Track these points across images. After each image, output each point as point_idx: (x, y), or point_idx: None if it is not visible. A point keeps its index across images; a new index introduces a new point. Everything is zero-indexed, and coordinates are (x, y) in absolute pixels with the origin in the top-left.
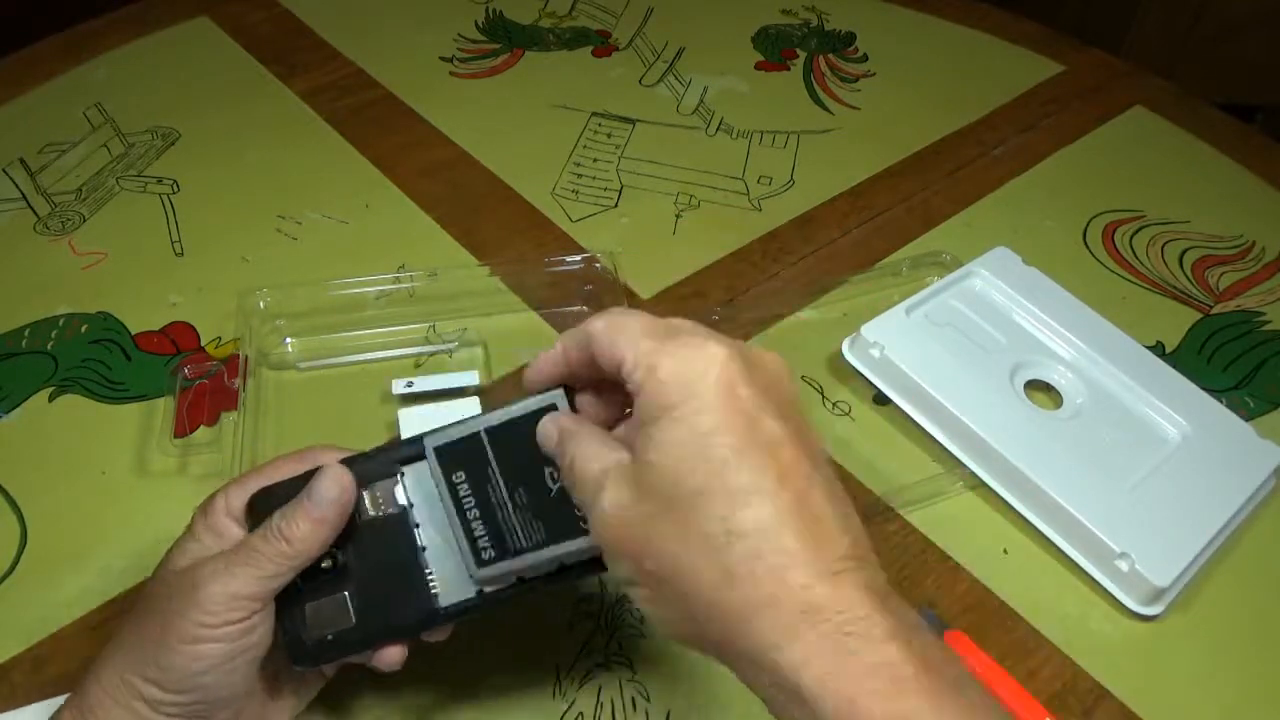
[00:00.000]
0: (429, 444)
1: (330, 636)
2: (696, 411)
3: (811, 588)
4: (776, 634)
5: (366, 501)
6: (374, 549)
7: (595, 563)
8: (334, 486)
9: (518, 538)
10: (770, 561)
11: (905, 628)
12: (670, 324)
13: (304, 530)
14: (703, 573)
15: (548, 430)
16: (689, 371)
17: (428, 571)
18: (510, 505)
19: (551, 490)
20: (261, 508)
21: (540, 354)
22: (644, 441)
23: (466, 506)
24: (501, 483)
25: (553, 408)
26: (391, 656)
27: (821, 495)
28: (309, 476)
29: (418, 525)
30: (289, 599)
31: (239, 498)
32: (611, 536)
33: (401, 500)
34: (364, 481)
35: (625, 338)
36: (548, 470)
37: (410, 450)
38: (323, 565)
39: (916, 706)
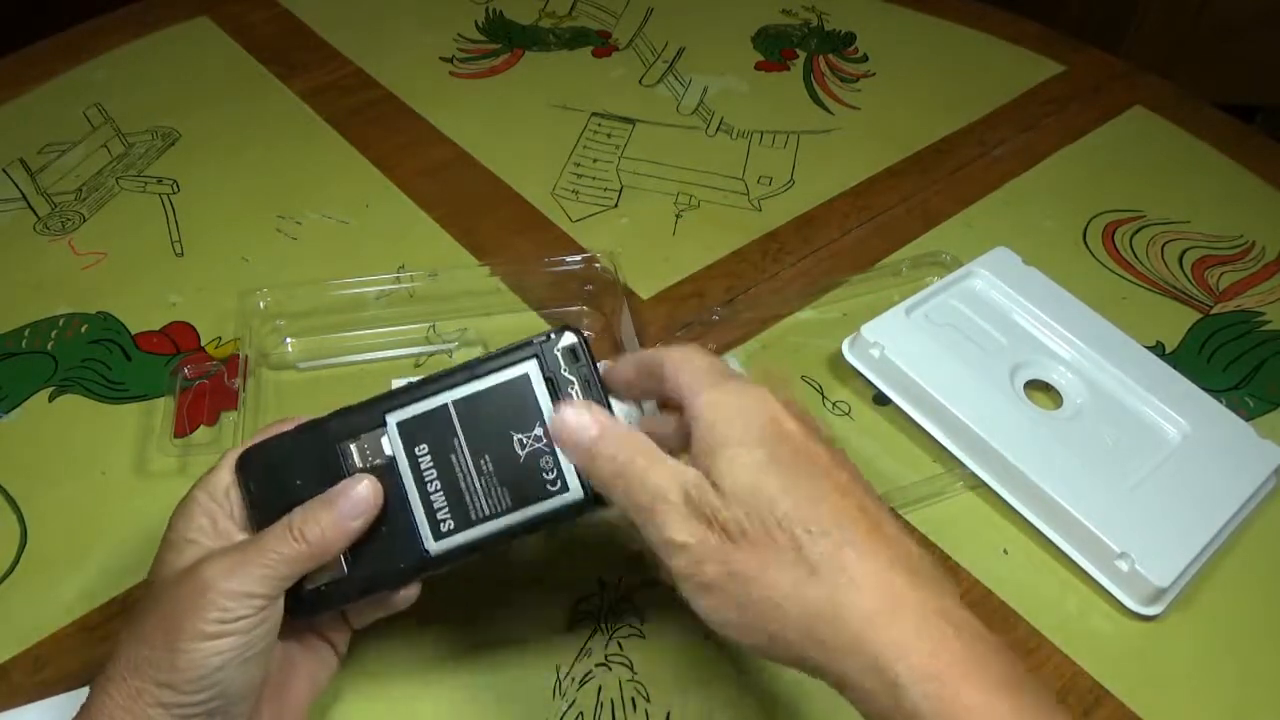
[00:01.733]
0: (391, 420)
1: (323, 587)
2: (753, 443)
3: (893, 580)
4: (864, 614)
5: (354, 454)
6: None
7: (565, 515)
8: (374, 497)
9: (480, 507)
10: (849, 552)
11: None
12: (727, 367)
13: (329, 536)
14: (786, 569)
15: (581, 423)
16: (743, 404)
17: (417, 519)
18: (475, 474)
19: (521, 457)
20: (253, 471)
21: (610, 364)
22: (716, 463)
23: (428, 479)
24: (467, 453)
25: (525, 378)
26: (407, 593)
27: (875, 505)
28: (307, 437)
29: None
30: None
31: (217, 478)
32: (695, 542)
33: (388, 451)
34: (352, 434)
35: (686, 376)
36: (517, 438)
37: (395, 401)
38: None
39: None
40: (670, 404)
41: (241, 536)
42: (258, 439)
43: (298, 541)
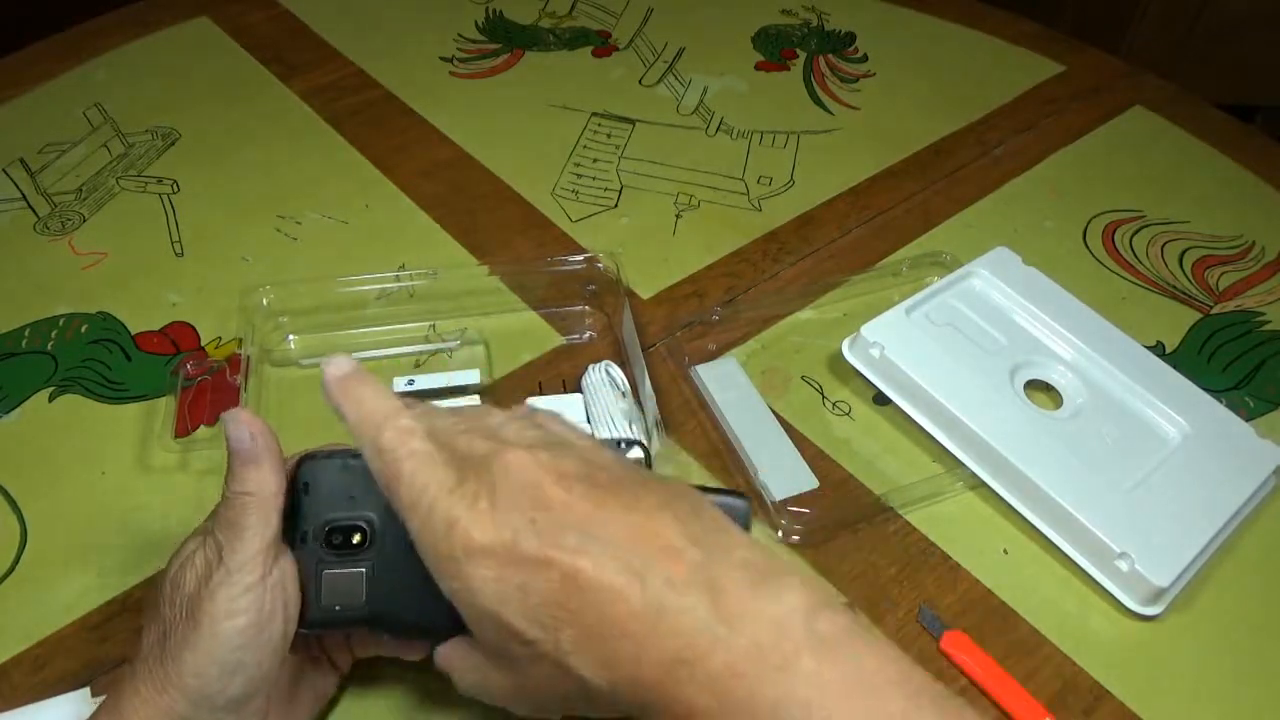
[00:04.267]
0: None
1: (338, 608)
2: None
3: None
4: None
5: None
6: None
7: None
8: (241, 428)
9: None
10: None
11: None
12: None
13: (251, 478)
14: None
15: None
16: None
17: None
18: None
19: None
20: (306, 475)
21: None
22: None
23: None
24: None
25: None
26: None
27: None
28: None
29: None
30: (312, 561)
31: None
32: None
33: None
34: None
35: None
36: None
37: None
38: (354, 540)
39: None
40: None
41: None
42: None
43: (240, 497)
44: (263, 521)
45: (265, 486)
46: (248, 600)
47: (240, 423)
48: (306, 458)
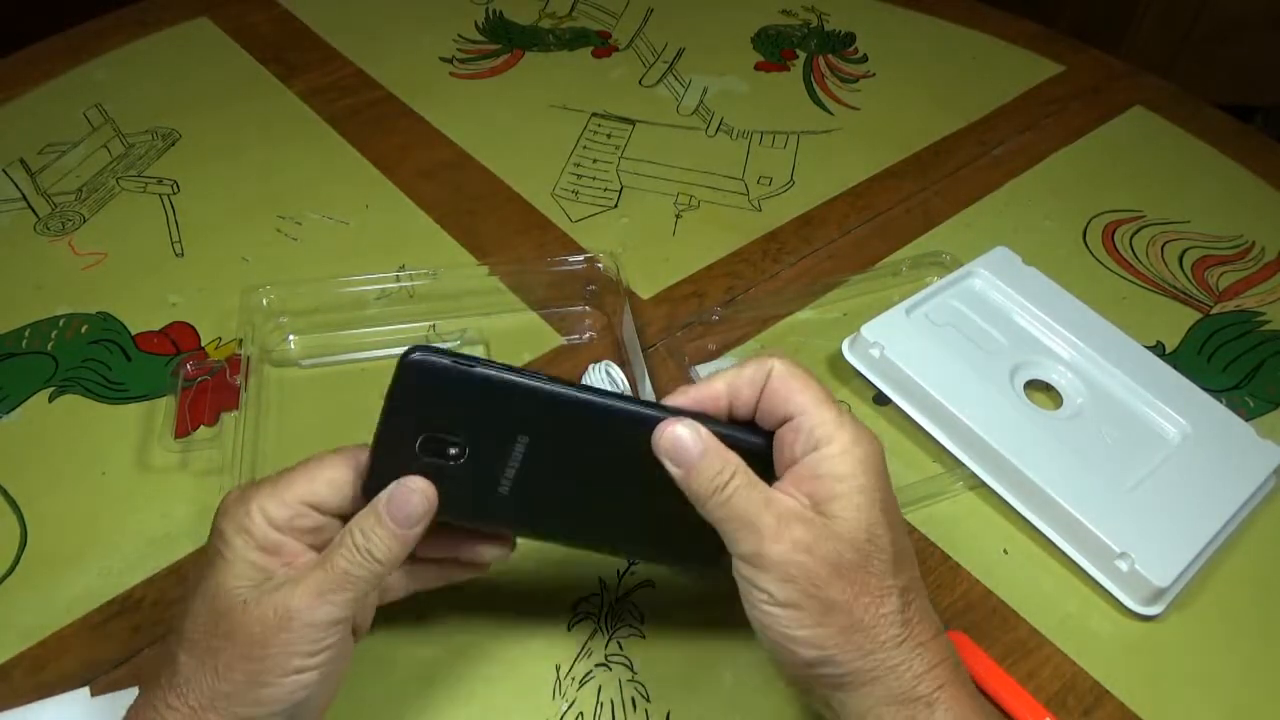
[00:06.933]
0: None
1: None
2: (873, 487)
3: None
4: (923, 665)
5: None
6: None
7: None
8: (422, 503)
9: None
10: (920, 599)
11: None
12: (832, 397)
13: (395, 551)
14: (870, 609)
15: (675, 438)
16: (868, 450)
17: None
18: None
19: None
20: (417, 377)
21: (700, 384)
22: (836, 492)
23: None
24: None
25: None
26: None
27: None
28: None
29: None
30: (398, 438)
31: (276, 509)
32: (794, 563)
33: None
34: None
35: (810, 395)
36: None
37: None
38: (450, 452)
39: None
40: (764, 417)
41: (308, 555)
42: (285, 485)
43: (370, 562)
44: (369, 585)
45: (395, 561)
46: (325, 656)
47: (420, 491)
48: (416, 358)
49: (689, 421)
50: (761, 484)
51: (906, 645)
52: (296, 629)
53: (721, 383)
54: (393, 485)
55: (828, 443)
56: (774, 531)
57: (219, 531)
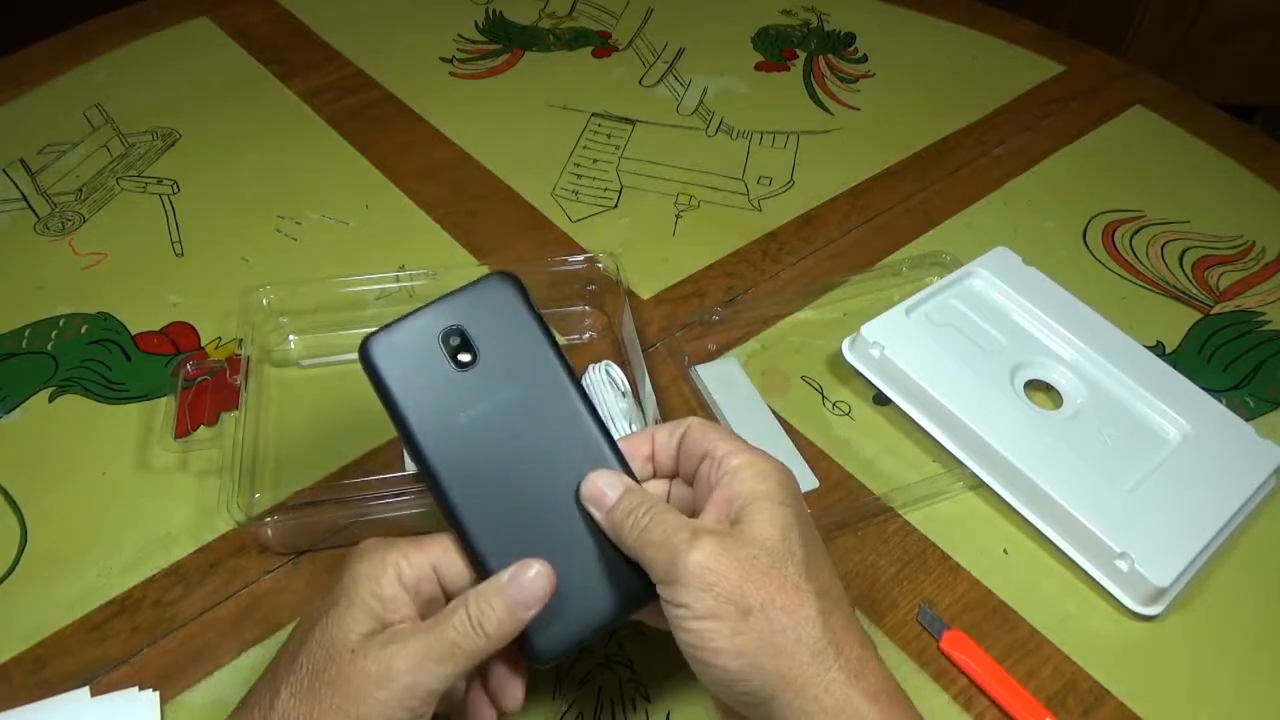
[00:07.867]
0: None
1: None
2: (783, 500)
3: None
4: (850, 674)
5: None
6: None
7: None
8: (544, 585)
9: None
10: (841, 610)
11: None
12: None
13: (507, 629)
14: (788, 610)
15: (599, 489)
16: (779, 471)
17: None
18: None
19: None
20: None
21: (626, 438)
22: (747, 509)
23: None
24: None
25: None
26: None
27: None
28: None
29: None
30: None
31: (408, 567)
32: (709, 569)
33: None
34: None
35: (723, 435)
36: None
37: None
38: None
39: None
40: (685, 476)
41: (414, 623)
42: (425, 550)
43: (479, 636)
44: (472, 661)
45: (502, 640)
46: (415, 715)
47: (543, 575)
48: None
49: (609, 473)
50: (676, 511)
51: (830, 652)
52: (395, 690)
53: (644, 435)
54: (515, 566)
55: (738, 464)
56: (688, 544)
57: (352, 570)
